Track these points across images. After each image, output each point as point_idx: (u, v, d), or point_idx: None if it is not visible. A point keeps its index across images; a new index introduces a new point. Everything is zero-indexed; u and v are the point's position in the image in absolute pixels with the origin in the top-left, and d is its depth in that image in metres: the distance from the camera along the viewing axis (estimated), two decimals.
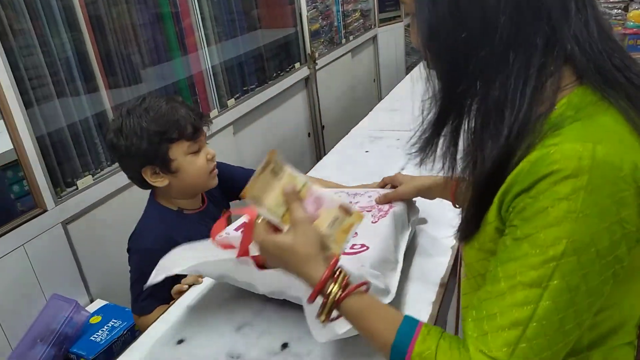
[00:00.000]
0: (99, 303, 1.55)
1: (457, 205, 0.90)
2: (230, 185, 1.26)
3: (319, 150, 3.14)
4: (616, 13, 3.34)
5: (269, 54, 2.73)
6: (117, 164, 1.72)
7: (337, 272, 0.64)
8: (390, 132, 1.74)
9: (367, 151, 1.61)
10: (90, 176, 1.60)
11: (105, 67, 1.70)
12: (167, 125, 1.07)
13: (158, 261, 0.87)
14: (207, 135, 1.18)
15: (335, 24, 3.42)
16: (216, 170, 1.17)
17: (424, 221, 1.11)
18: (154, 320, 0.95)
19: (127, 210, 1.71)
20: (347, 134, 1.79)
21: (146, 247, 1.11)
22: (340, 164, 1.48)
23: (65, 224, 1.49)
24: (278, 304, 0.92)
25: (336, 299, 0.62)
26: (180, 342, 0.88)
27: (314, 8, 3.11)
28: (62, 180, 1.53)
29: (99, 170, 1.65)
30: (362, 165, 1.45)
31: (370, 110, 2.00)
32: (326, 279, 0.63)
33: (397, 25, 4.27)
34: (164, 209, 1.17)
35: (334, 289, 0.62)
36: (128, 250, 1.17)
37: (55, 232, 1.46)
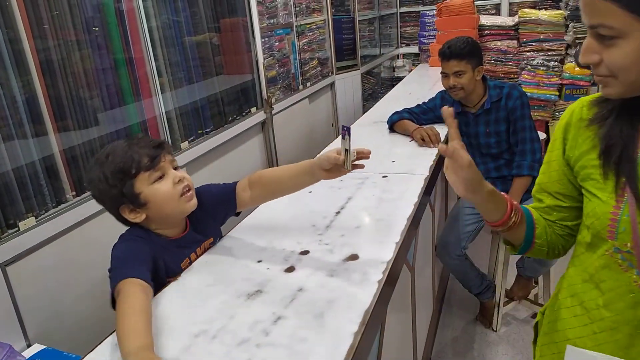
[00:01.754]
0: (36, 347, 1.50)
1: None
2: (217, 203, 1.31)
3: None
4: (553, 65, 3.61)
5: (227, 99, 2.81)
6: (64, 204, 1.73)
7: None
8: None
9: (310, 192, 1.66)
10: (34, 217, 1.60)
11: (55, 110, 1.73)
12: (122, 164, 1.12)
13: (141, 250, 1.10)
14: (175, 161, 1.21)
15: (293, 71, 3.56)
16: (190, 193, 1.19)
17: None
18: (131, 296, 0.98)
19: (71, 252, 1.71)
20: None
21: (135, 235, 1.17)
22: (283, 202, 1.53)
23: (4, 265, 1.47)
24: (207, 339, 0.94)
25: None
26: None
27: (270, 56, 3.24)
28: (4, 222, 1.52)
29: (43, 211, 1.65)
30: (305, 205, 1.51)
31: None
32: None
33: (354, 73, 4.47)
34: (147, 231, 1.21)
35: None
36: (110, 268, 1.12)
37: None
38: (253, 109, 3.01)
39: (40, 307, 1.58)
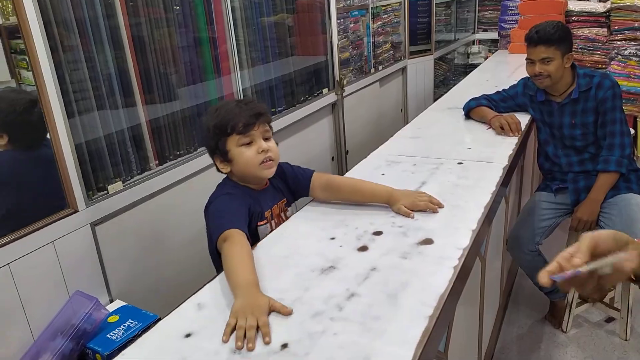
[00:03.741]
0: (118, 303, 1.62)
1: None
2: (293, 182, 1.45)
3: (341, 174, 3.20)
4: None
5: (299, 80, 2.84)
6: (148, 172, 1.83)
7: None
8: (408, 157, 1.79)
9: (383, 174, 1.66)
10: (121, 182, 1.70)
11: (144, 84, 1.82)
12: (222, 122, 1.27)
13: (240, 204, 1.25)
14: (269, 132, 1.33)
15: (366, 53, 3.53)
16: (270, 163, 1.30)
17: None
18: (237, 249, 1.10)
19: (154, 216, 1.81)
20: None
21: (227, 191, 1.31)
22: None
23: (93, 225, 1.59)
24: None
25: None
26: (187, 335, 0.94)
27: (345, 37, 3.22)
28: (95, 185, 1.63)
29: (130, 177, 1.76)
30: None
31: None
32: None
33: (427, 58, 4.35)
34: (236, 183, 1.36)
35: None
36: (205, 210, 1.31)
37: (84, 232, 1.55)
38: (325, 90, 3.01)
39: (124, 267, 1.70)
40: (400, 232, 1.26)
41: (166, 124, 1.93)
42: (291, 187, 1.45)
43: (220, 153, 1.30)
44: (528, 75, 2.14)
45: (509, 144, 1.87)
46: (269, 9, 2.57)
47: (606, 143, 1.98)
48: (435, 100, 4.52)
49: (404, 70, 4.13)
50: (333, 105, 3.08)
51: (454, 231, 1.24)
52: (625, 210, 1.90)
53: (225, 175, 1.37)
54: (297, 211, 1.46)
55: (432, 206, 1.35)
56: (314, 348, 0.87)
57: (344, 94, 3.12)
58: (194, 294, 1.08)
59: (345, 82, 3.14)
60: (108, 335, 1.46)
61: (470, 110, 2.19)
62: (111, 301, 1.67)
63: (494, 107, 2.16)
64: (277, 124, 2.53)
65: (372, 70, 3.60)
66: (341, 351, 0.87)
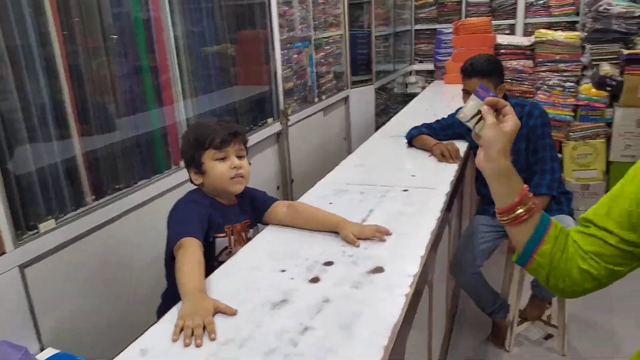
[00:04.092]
0: (50, 351, 1.49)
1: None
2: (256, 206, 1.51)
3: None
4: (569, 86, 3.61)
5: (244, 109, 2.83)
6: (83, 208, 1.73)
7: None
8: (355, 185, 1.81)
9: (330, 203, 1.66)
10: (53, 220, 1.60)
11: (80, 114, 1.74)
12: (201, 136, 1.37)
13: (199, 212, 1.33)
14: (243, 150, 1.42)
15: (309, 83, 3.58)
16: (240, 179, 1.39)
17: None
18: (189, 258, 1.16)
19: (90, 255, 1.71)
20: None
21: (193, 199, 1.40)
22: None
23: (22, 267, 1.47)
24: (235, 346, 0.94)
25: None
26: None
27: (288, 68, 3.26)
28: (25, 224, 1.52)
29: (63, 214, 1.66)
30: None
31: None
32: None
33: (368, 88, 4.48)
34: (203, 193, 1.44)
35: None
36: (170, 214, 1.35)
37: (11, 275, 1.43)
38: (270, 120, 3.02)
39: (57, 311, 1.58)
40: (351, 261, 1.26)
41: (104, 156, 1.85)
42: (255, 210, 1.52)
43: (195, 165, 1.39)
44: None
45: (450, 170, 1.94)
46: (212, 38, 2.56)
47: (538, 168, 2.10)
48: (377, 128, 4.67)
49: (346, 99, 4.22)
50: (278, 134, 3.09)
51: (403, 258, 1.26)
52: None
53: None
54: (258, 233, 1.50)
55: (379, 235, 1.36)
56: None
57: (289, 124, 3.14)
58: (137, 338, 1.02)
59: (289, 111, 3.17)
60: None
61: (413, 139, 2.27)
62: (42, 349, 1.53)
63: (435, 135, 2.24)
64: None
65: (316, 99, 3.65)
66: None
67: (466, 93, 2.13)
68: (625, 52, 3.42)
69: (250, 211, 1.51)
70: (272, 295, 1.12)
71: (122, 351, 0.98)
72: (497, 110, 0.97)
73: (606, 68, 3.45)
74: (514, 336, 2.24)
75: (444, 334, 2.26)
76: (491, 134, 0.94)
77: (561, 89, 3.63)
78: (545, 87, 3.68)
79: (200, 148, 1.37)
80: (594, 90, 3.50)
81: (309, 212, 1.49)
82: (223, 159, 1.37)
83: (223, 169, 1.37)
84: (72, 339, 1.61)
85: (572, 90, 3.61)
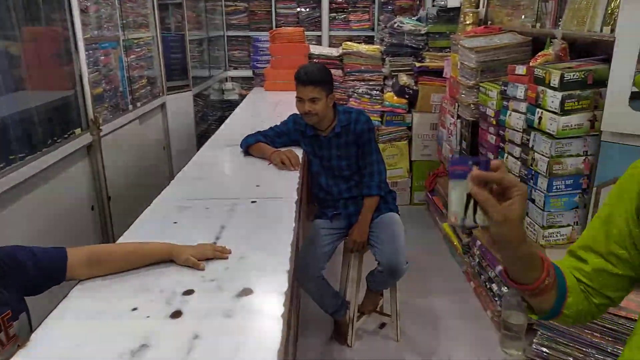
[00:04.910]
0: None
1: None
2: (36, 273, 1.07)
3: (105, 224, 2.82)
4: (375, 94, 3.98)
5: (41, 118, 2.39)
6: None
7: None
8: (199, 200, 1.67)
9: (175, 222, 1.50)
10: None
11: None
12: None
13: None
14: None
15: (121, 89, 3.23)
16: None
17: None
18: None
19: None
20: (139, 204, 1.64)
21: None
22: (147, 238, 1.33)
23: None
24: None
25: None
26: None
27: (96, 71, 2.88)
28: None
29: None
30: (172, 238, 1.33)
31: (165, 179, 1.90)
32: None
33: (186, 94, 4.26)
34: None
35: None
36: None
37: None
38: (77, 131, 2.61)
39: None
40: (215, 286, 1.14)
41: None
42: (32, 280, 1.07)
43: None
44: (296, 112, 2.28)
45: (293, 178, 1.94)
46: None
47: (367, 171, 2.24)
48: (198, 136, 4.48)
49: (163, 106, 3.94)
50: (88, 147, 2.70)
51: (270, 275, 1.19)
52: (389, 227, 2.18)
53: None
54: (29, 326, 1.08)
55: (219, 254, 1.27)
56: None
57: (101, 134, 2.77)
58: None
59: (101, 120, 2.80)
60: None
61: (249, 147, 2.21)
62: None
63: (271, 143, 2.22)
64: (16, 176, 2.04)
65: (130, 107, 3.31)
66: None
67: (300, 100, 2.16)
68: (417, 64, 3.93)
69: (15, 291, 1.05)
70: (128, 343, 0.94)
71: None
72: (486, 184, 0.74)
73: (404, 78, 3.91)
74: (355, 332, 2.35)
75: (293, 340, 2.26)
76: (501, 220, 0.73)
77: (369, 96, 3.99)
78: (356, 94, 4.00)
79: None
80: (395, 98, 3.93)
81: (124, 250, 1.24)
82: None
83: None
84: None
85: (378, 98, 3.99)
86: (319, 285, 2.22)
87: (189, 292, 1.11)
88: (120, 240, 1.39)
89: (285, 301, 1.08)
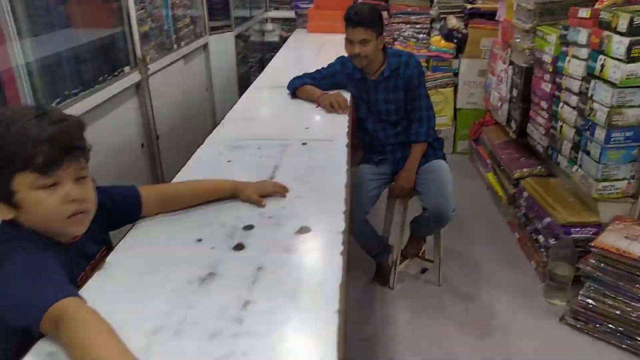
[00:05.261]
0: None
1: None
2: (117, 212, 1.11)
3: (154, 162, 2.90)
4: (422, 37, 3.83)
5: (93, 55, 2.42)
6: None
7: None
8: (250, 140, 1.69)
9: (229, 161, 1.53)
10: None
11: None
12: (12, 148, 0.85)
13: (51, 262, 0.86)
14: (84, 170, 0.94)
15: (166, 27, 3.21)
16: (82, 215, 0.93)
17: None
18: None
19: None
20: (185, 144, 1.68)
21: (20, 245, 0.88)
22: (203, 175, 1.37)
23: None
24: (170, 335, 0.80)
25: None
26: None
27: (142, 9, 2.87)
28: None
29: None
30: (227, 176, 1.35)
31: (208, 120, 1.93)
32: None
33: (228, 35, 4.21)
34: (28, 232, 0.91)
35: None
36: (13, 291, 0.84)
37: None
38: (126, 69, 2.64)
39: None
40: (273, 223, 1.17)
41: None
42: (113, 219, 1.11)
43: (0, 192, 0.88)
44: (344, 55, 2.22)
45: (341, 121, 1.92)
46: None
47: (416, 116, 2.20)
48: (239, 78, 4.46)
49: (205, 47, 3.91)
50: (137, 85, 2.73)
51: (327, 216, 1.21)
52: (437, 175, 2.16)
53: None
54: None
55: (280, 190, 1.30)
56: None
57: (149, 73, 2.80)
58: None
59: (148, 59, 2.81)
60: None
61: (296, 90, 2.19)
62: None
63: (317, 86, 2.20)
64: (71, 112, 2.10)
65: (175, 46, 3.31)
66: None
67: (350, 42, 2.10)
68: (468, 6, 3.74)
69: (104, 227, 1.10)
70: (197, 270, 0.99)
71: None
72: None
73: (453, 21, 3.73)
74: (397, 274, 2.40)
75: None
76: None
77: (415, 40, 3.85)
78: (401, 38, 3.87)
79: (8, 168, 0.86)
80: (443, 42, 3.78)
81: (192, 188, 1.27)
82: (52, 185, 0.88)
83: (53, 204, 0.88)
84: None
85: (424, 41, 3.85)
86: (363, 229, 2.25)
87: (249, 227, 1.15)
88: (178, 177, 1.43)
89: (343, 240, 1.10)
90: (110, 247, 1.10)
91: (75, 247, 0.99)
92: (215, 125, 1.95)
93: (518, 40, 2.86)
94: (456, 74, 3.83)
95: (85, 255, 1.02)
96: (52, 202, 0.89)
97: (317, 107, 2.08)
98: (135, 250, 1.07)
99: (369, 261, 2.48)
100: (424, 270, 2.53)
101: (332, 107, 2.00)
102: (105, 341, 0.74)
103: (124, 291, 0.94)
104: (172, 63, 3.21)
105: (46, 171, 0.87)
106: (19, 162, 0.85)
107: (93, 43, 2.47)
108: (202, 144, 1.66)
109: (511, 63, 3.05)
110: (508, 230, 2.86)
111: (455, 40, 3.74)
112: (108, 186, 1.12)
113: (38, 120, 0.87)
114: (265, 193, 1.27)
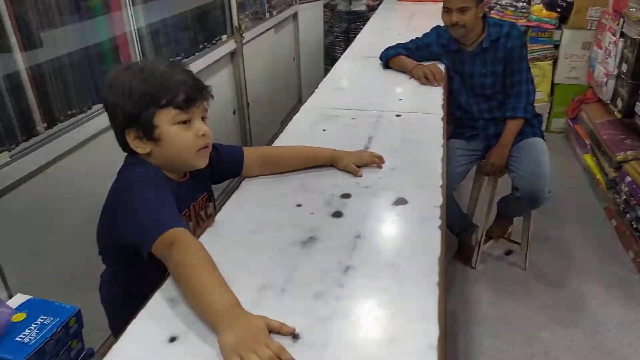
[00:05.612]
0: (20, 298, 1.32)
1: None
2: (221, 165, 1.20)
3: (244, 129, 3.02)
4: (521, 6, 3.60)
5: (196, 23, 2.54)
6: (34, 139, 1.49)
7: None
8: (344, 110, 1.70)
9: (324, 129, 1.56)
10: (7, 152, 1.36)
11: (20, 23, 1.44)
12: (156, 88, 0.98)
13: (170, 195, 0.98)
14: (207, 111, 1.06)
15: None
16: (208, 149, 1.06)
17: None
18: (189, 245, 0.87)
19: (50, 190, 1.50)
20: (273, 112, 1.72)
21: (151, 176, 1.02)
22: (299, 142, 1.41)
23: None
24: (277, 292, 0.86)
25: None
26: (172, 340, 0.77)
27: None
28: None
29: (15, 146, 1.41)
30: (323, 144, 1.38)
31: (294, 90, 1.95)
32: None
33: (317, 4, 4.21)
34: (150, 165, 1.05)
35: None
36: (117, 196, 1.02)
37: None
38: (224, 37, 2.74)
39: (21, 253, 1.39)
40: (370, 193, 1.19)
41: (51, 75, 1.57)
42: (217, 171, 1.21)
43: (141, 127, 0.99)
44: (439, 24, 2.15)
45: (436, 93, 1.88)
46: None
47: (514, 91, 2.09)
48: (325, 48, 4.47)
49: (295, 16, 3.95)
50: (232, 53, 2.83)
51: (423, 189, 1.21)
52: (533, 153, 2.06)
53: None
54: (216, 209, 1.22)
55: (377, 160, 1.30)
56: (331, 336, 0.78)
57: (243, 41, 2.88)
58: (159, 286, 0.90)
59: (243, 27, 2.89)
60: (18, 339, 1.19)
61: (389, 60, 2.16)
62: (10, 297, 1.35)
63: (411, 56, 2.15)
64: None
65: (267, 15, 3.37)
66: (362, 335, 0.79)
67: (447, 11, 2.02)
68: None
69: (208, 177, 1.20)
70: (298, 234, 1.03)
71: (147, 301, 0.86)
72: None
73: None
74: (480, 254, 2.35)
75: None
76: None
77: (513, 9, 3.62)
78: (498, 6, 3.66)
79: (153, 105, 0.98)
80: (544, 11, 3.52)
81: (293, 152, 1.32)
82: (186, 122, 1.01)
83: (189, 137, 1.01)
84: (42, 283, 1.44)
85: (524, 10, 3.61)
86: (449, 205, 2.20)
87: (346, 196, 1.18)
88: (276, 143, 1.48)
89: (441, 214, 1.10)
90: (210, 195, 1.21)
91: (184, 185, 1.11)
92: (300, 94, 1.98)
93: (633, 9, 2.61)
94: (556, 46, 3.57)
95: (190, 195, 1.13)
96: (188, 136, 1.01)
97: (409, 78, 2.04)
98: (241, 211, 1.13)
99: (451, 237, 2.44)
100: (508, 252, 2.45)
101: (426, 79, 1.96)
102: (209, 272, 0.83)
103: (232, 248, 1.00)
104: (264, 32, 3.28)
105: (185, 107, 0.99)
106: (163, 100, 0.98)
107: (194, 10, 2.58)
108: (288, 112, 1.70)
109: (622, 35, 2.79)
110: (604, 216, 2.68)
111: (558, 9, 3.47)
112: (216, 142, 1.20)
113: (171, 68, 1.02)
114: (361, 163, 1.29)
